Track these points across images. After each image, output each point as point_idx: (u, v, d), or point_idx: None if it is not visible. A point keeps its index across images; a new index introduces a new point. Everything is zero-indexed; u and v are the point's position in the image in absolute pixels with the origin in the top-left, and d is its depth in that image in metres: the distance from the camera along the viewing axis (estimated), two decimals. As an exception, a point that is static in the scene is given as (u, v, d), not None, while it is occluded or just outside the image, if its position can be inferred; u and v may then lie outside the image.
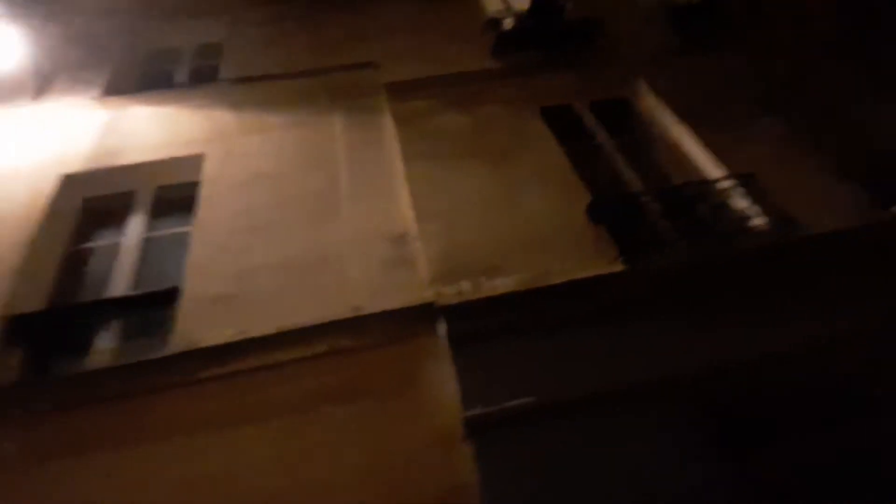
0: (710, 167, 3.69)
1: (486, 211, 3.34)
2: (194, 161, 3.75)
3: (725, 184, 3.48)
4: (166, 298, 2.98)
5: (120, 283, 3.21)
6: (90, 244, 3.54)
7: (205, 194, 3.52)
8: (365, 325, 2.72)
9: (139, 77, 4.97)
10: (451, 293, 2.83)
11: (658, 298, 2.86)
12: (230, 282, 2.98)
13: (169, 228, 3.55)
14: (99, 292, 3.18)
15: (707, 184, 3.57)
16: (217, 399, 2.52)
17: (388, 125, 3.95)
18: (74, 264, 3.42)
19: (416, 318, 2.73)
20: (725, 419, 2.43)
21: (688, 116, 3.97)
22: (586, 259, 3.02)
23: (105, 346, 2.93)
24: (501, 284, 2.87)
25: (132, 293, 3.13)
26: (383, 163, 3.66)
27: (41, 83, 4.46)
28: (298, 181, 3.58)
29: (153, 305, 2.99)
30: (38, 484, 2.26)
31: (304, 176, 3.61)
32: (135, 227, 3.56)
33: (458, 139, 3.78)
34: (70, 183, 3.66)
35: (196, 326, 2.77)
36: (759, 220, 3.30)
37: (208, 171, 3.68)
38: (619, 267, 2.98)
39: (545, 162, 3.61)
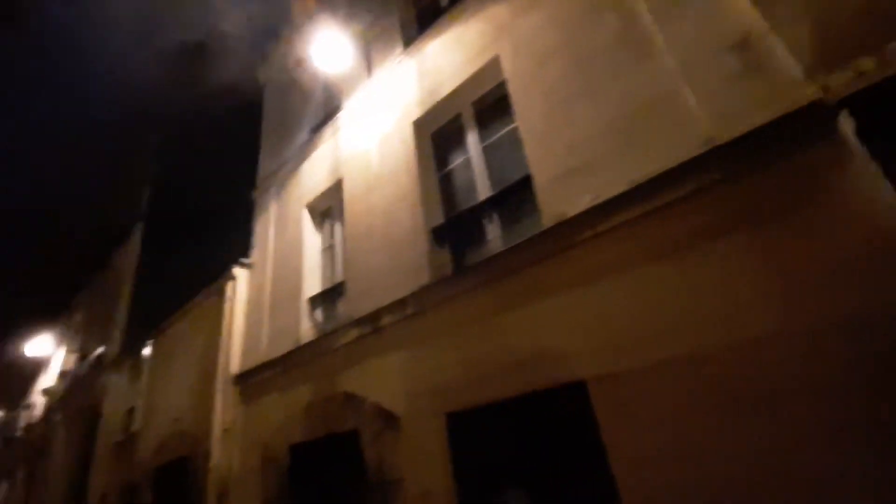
0: None
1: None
2: (492, 65, 4.11)
3: None
4: (523, 187, 3.56)
5: (484, 187, 4.03)
6: (449, 167, 4.53)
7: (512, 89, 3.85)
8: (730, 154, 2.48)
9: (416, 16, 5.65)
10: (844, 80, 2.19)
11: None
12: (567, 156, 3.25)
13: (498, 131, 4.12)
14: (473, 198, 4.09)
15: None
16: (596, 256, 2.91)
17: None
18: (447, 184, 4.48)
19: (797, 126, 2.28)
20: None
21: None
22: None
23: (494, 235, 3.83)
24: (938, 36, 2.01)
25: (496, 192, 3.88)
26: (685, -38, 2.99)
27: (368, 62, 5.73)
28: (592, 34, 3.40)
29: (516, 196, 3.64)
30: (491, 332, 3.31)
31: (596, 26, 3.39)
32: (472, 142, 4.30)
33: None
34: (418, 127, 4.71)
35: (556, 202, 3.21)
36: None
37: (507, 67, 3.96)
38: None
39: None
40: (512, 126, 3.87)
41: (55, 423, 12.16)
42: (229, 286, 6.26)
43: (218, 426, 5.48)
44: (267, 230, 6.39)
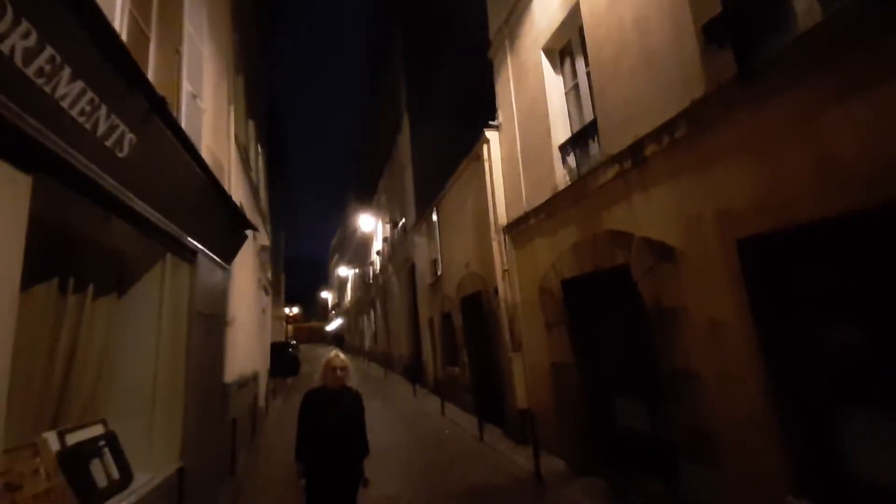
0: None
1: None
2: None
3: None
4: None
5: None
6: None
7: None
8: None
9: None
10: None
11: None
12: None
13: None
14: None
15: None
16: None
17: None
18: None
19: None
20: None
21: None
22: None
23: (806, 6, 2.73)
24: None
25: (811, -66, 2.66)
26: None
27: None
28: None
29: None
30: (799, 141, 2.60)
31: None
32: None
33: None
34: None
35: None
36: None
37: None
38: None
39: None
40: None
41: (389, 273, 17.02)
42: (484, 149, 6.81)
43: (499, 268, 6.51)
44: (508, 87, 6.43)
